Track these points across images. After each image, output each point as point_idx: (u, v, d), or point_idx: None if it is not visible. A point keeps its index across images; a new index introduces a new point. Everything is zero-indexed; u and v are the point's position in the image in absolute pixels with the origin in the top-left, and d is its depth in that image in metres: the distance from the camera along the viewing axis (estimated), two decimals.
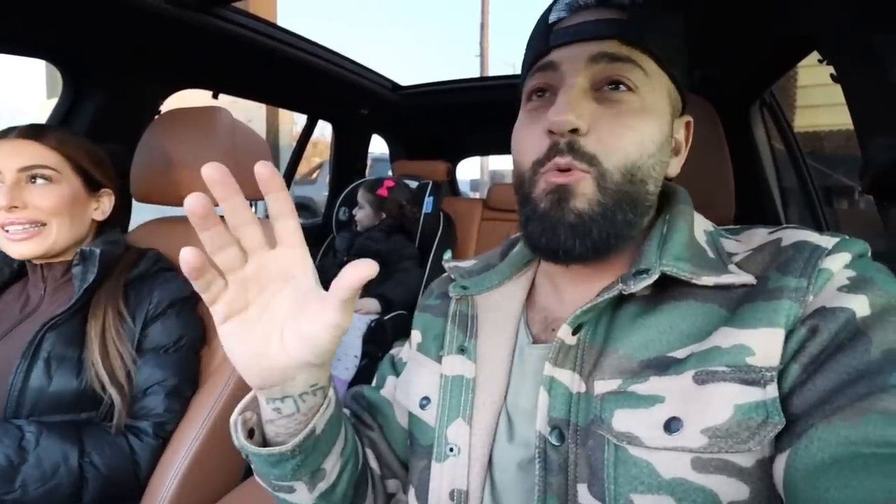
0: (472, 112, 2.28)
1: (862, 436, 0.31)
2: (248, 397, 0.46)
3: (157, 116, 1.42)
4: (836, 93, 0.80)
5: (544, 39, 0.47)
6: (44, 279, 0.87)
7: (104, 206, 0.92)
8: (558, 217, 0.44)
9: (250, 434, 0.45)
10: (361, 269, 0.35)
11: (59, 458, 0.71)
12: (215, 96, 1.65)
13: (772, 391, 0.35)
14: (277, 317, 0.39)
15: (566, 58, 0.46)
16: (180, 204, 1.02)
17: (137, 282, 0.89)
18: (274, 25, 1.44)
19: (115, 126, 1.31)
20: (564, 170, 0.44)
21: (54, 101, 1.29)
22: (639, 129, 0.44)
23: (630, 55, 0.44)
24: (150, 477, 0.82)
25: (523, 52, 0.53)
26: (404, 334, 0.64)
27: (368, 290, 1.93)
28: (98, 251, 0.84)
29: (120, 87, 1.32)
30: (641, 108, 0.44)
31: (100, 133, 1.26)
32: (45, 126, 0.88)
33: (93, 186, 0.89)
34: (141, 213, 1.20)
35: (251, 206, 1.31)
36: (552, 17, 0.48)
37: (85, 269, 0.83)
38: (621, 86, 0.44)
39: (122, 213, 0.98)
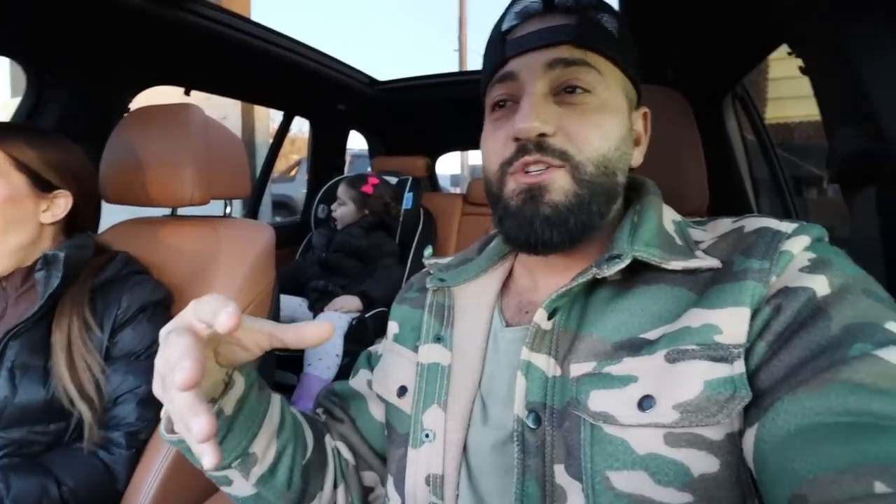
0: (450, 107, 2.28)
1: (825, 406, 0.32)
2: None
3: (126, 114, 1.38)
4: (806, 85, 0.82)
5: (500, 50, 0.49)
6: (3, 288, 0.82)
7: (56, 208, 0.85)
8: (532, 212, 0.46)
9: None
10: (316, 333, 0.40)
11: (39, 494, 0.69)
12: (187, 93, 1.62)
13: (739, 367, 0.37)
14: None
15: (523, 66, 0.48)
16: (152, 204, 1.01)
17: (105, 286, 0.85)
18: (247, 20, 1.42)
19: (83, 125, 1.27)
20: (534, 168, 0.45)
21: (18, 100, 1.25)
22: (602, 124, 0.46)
23: (584, 58, 0.46)
24: (126, 488, 0.80)
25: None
26: (385, 332, 0.64)
27: (349, 287, 1.92)
28: (62, 255, 0.80)
29: (86, 84, 1.28)
30: (600, 105, 0.47)
31: (66, 132, 1.21)
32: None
33: (43, 187, 0.83)
34: (113, 215, 1.17)
35: (225, 205, 1.28)
36: (504, 27, 0.50)
37: (48, 274, 0.80)
38: (578, 88, 0.46)
39: (92, 214, 0.95)
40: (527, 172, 0.46)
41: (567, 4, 0.48)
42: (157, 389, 0.37)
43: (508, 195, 0.47)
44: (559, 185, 0.45)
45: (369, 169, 2.61)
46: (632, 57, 0.51)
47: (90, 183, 0.93)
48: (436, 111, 2.40)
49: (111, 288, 0.85)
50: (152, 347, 0.85)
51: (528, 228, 0.46)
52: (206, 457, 0.33)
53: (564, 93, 0.47)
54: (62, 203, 0.85)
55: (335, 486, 0.57)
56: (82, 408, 0.76)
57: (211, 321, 0.35)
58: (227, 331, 0.33)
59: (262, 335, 0.41)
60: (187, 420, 0.32)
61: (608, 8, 0.50)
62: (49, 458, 0.74)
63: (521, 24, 0.50)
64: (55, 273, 0.79)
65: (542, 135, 0.45)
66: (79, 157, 0.89)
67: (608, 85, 0.47)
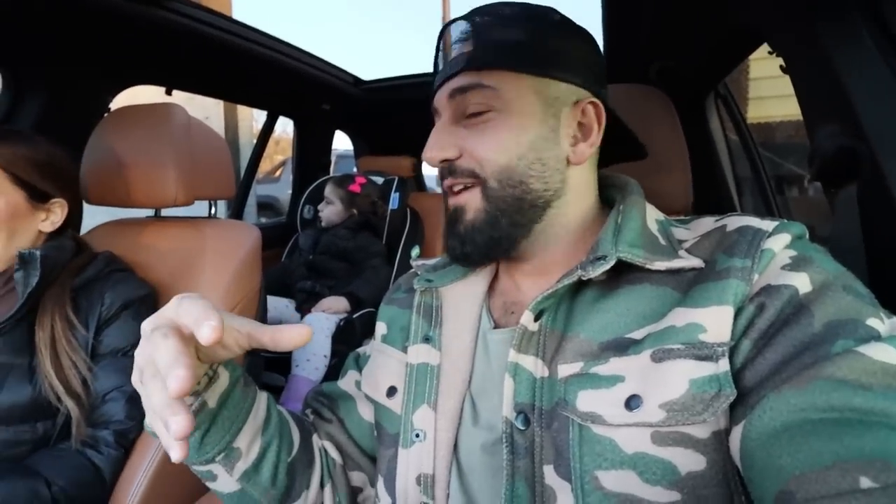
0: None
1: (809, 402, 0.33)
2: None
3: (106, 114, 1.36)
4: (786, 84, 0.83)
5: (433, 86, 0.55)
6: None
7: (54, 216, 0.87)
8: (455, 230, 0.51)
9: None
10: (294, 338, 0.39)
11: (29, 496, 0.68)
12: (169, 93, 1.60)
13: (724, 365, 0.37)
14: None
15: (438, 101, 0.53)
16: (135, 205, 1.00)
17: (87, 286, 0.85)
18: (229, 19, 1.40)
19: (62, 126, 1.24)
20: (454, 190, 0.50)
21: None
22: (500, 138, 0.48)
23: (479, 80, 0.48)
24: (114, 487, 0.79)
25: None
26: (373, 332, 0.64)
27: (336, 288, 1.91)
28: (39, 254, 0.80)
29: (65, 84, 1.25)
30: (500, 119, 0.49)
31: (44, 134, 1.19)
32: None
33: (39, 198, 0.84)
34: (96, 216, 1.15)
35: (210, 206, 1.27)
36: (434, 61, 0.55)
37: (27, 273, 0.80)
38: (476, 110, 0.49)
39: (77, 216, 0.93)
40: (453, 191, 0.51)
41: (466, 31, 0.50)
42: (136, 381, 0.38)
43: (447, 212, 0.53)
44: (472, 205, 0.49)
45: (355, 169, 2.60)
46: (558, 55, 0.49)
47: (79, 186, 0.94)
48: (421, 111, 2.38)
49: (94, 286, 0.86)
50: (138, 344, 0.85)
51: (452, 244, 0.51)
52: (174, 450, 0.34)
53: (467, 117, 0.50)
54: (59, 211, 0.88)
55: (322, 486, 0.57)
56: (69, 403, 0.76)
57: (193, 330, 0.35)
58: (209, 343, 0.34)
59: (241, 335, 0.41)
60: (165, 416, 0.33)
61: (513, 18, 0.50)
62: (36, 459, 0.74)
63: (439, 58, 0.54)
64: (33, 272, 0.79)
65: (448, 160, 0.49)
66: (67, 162, 0.90)
67: (509, 98, 0.48)
